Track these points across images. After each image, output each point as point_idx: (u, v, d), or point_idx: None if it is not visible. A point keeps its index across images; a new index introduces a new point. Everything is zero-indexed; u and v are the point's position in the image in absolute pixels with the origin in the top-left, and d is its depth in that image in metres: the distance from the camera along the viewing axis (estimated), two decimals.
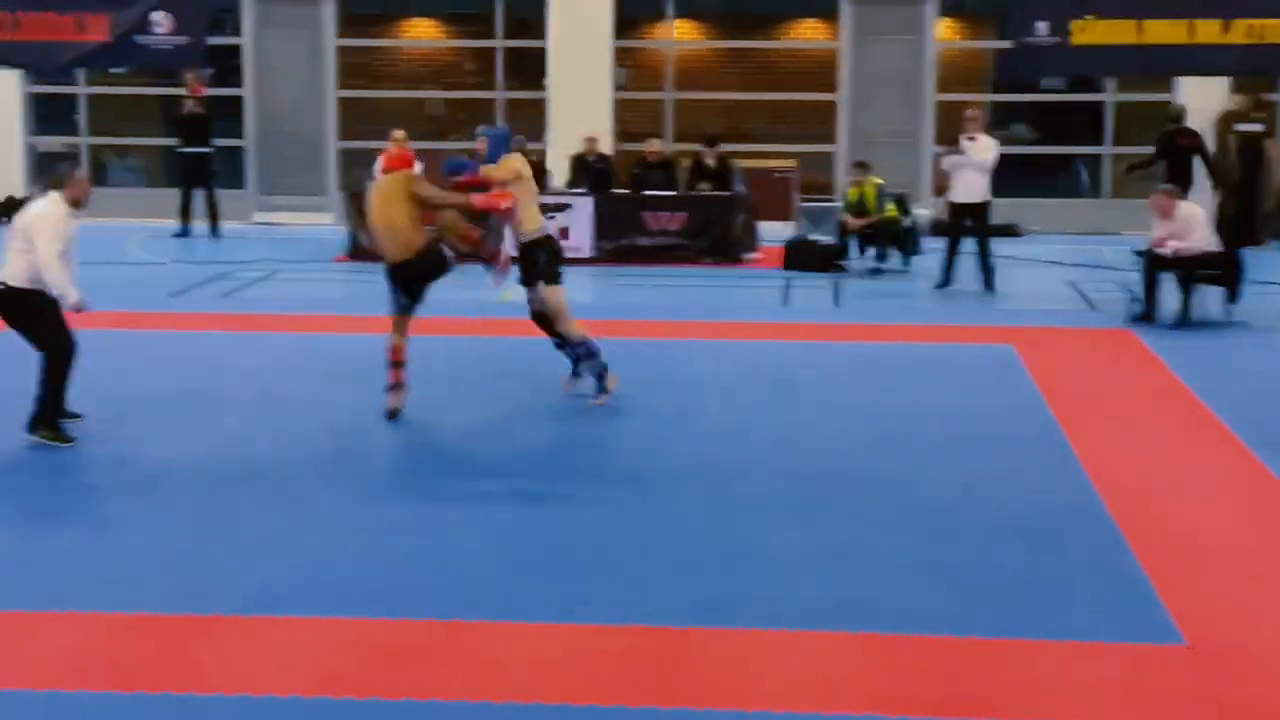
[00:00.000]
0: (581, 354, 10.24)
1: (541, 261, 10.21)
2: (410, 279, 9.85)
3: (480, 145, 10.23)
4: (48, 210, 8.92)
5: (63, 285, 8.85)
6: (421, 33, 23.28)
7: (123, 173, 23.59)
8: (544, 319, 10.40)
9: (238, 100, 22.04)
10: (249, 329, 13.05)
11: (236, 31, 22.05)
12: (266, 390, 10.61)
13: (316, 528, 7.54)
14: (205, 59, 21.43)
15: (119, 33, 21.46)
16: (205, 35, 21.59)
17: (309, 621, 6.25)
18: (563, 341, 10.38)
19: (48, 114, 22.75)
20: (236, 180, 21.82)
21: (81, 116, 22.45)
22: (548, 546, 7.27)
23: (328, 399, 10.35)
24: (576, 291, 15.94)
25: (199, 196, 19.93)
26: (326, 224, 21.35)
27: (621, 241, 17.76)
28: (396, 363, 9.82)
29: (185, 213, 19.95)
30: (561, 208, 17.73)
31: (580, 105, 20.92)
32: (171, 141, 20.56)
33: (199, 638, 6.05)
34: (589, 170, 18.51)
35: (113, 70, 22.33)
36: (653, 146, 18.81)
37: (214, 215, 20.01)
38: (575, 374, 10.46)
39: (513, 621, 6.25)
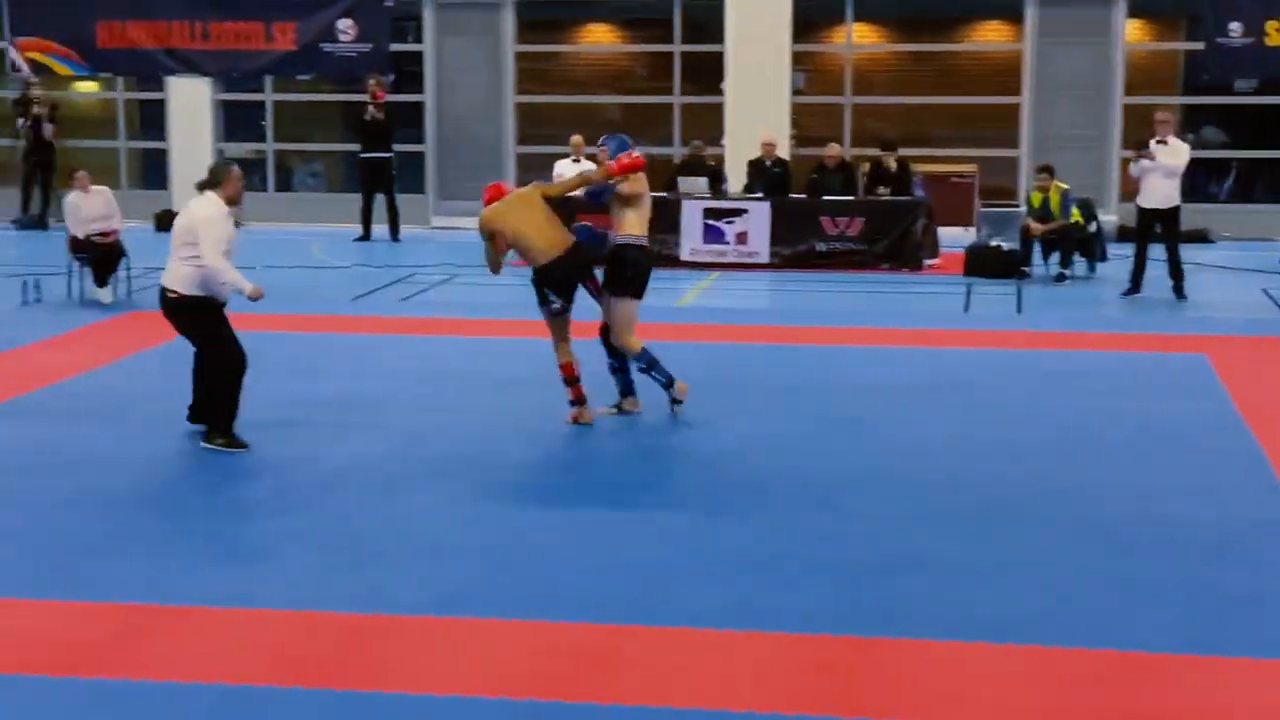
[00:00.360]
0: (643, 368, 9.90)
1: (628, 268, 9.95)
2: (562, 276, 9.81)
3: (602, 153, 10.09)
4: (208, 210, 8.84)
5: (235, 279, 8.80)
6: (599, 38, 23.37)
7: (306, 178, 24.04)
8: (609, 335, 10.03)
9: (418, 106, 22.33)
10: (427, 333, 13.17)
11: (418, 38, 22.36)
12: (443, 393, 10.67)
13: (492, 530, 7.54)
14: (388, 65, 21.77)
15: (305, 41, 21.92)
16: (388, 42, 21.94)
17: (485, 623, 6.23)
18: (620, 366, 10.05)
19: (236, 121, 23.28)
20: (416, 185, 22.11)
21: (268, 123, 22.93)
22: (719, 553, 7.18)
23: (504, 402, 10.38)
24: (753, 297, 15.94)
25: (379, 201, 20.22)
26: None
27: (798, 247, 17.60)
28: (573, 379, 9.80)
29: (366, 217, 20.25)
30: (738, 212, 17.64)
31: (758, 109, 20.81)
32: (353, 147, 20.91)
33: (382, 637, 6.07)
34: (766, 175, 18.40)
35: (298, 77, 22.77)
36: (831, 151, 18.62)
37: (394, 220, 20.29)
38: (618, 406, 10.07)
39: (687, 627, 6.17)
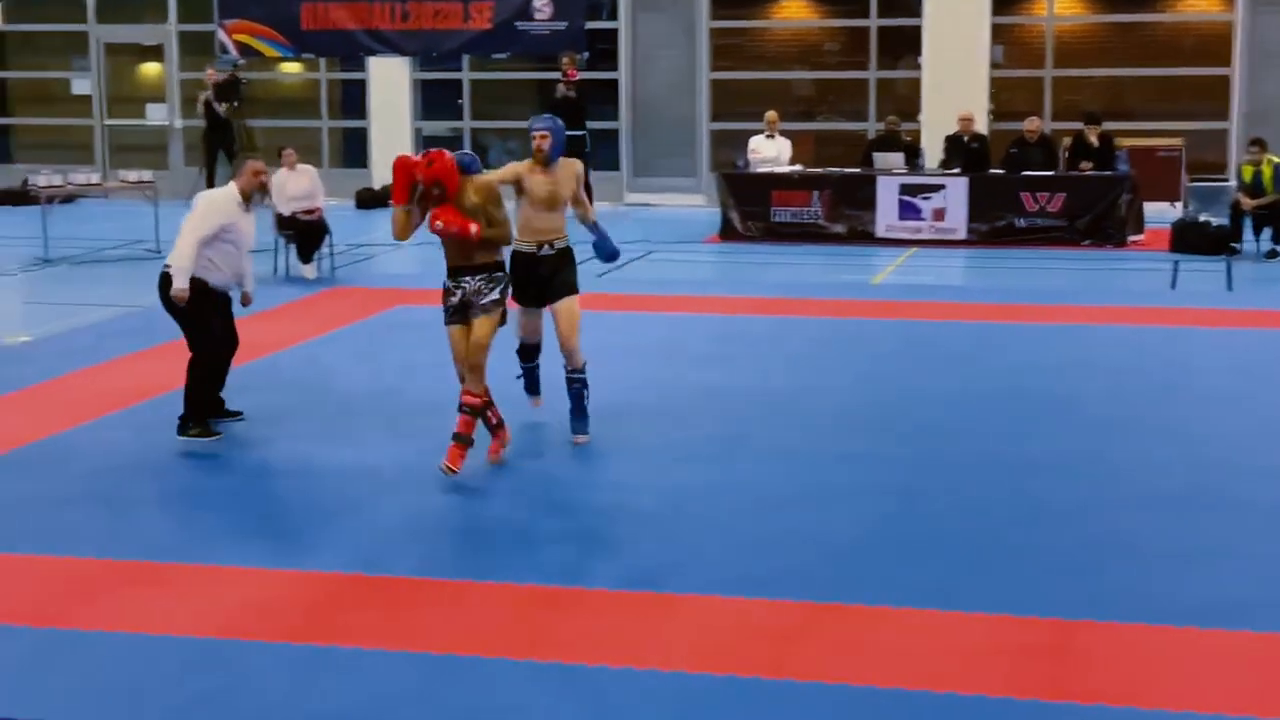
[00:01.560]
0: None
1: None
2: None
3: (543, 142, 8.58)
4: (212, 195, 8.92)
5: (181, 266, 8.60)
6: (793, 13, 23.19)
7: (502, 156, 24.31)
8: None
9: (613, 84, 22.42)
10: (621, 309, 13.22)
11: (613, 16, 22.43)
12: (639, 368, 10.70)
13: (690, 505, 7.54)
14: (583, 43, 21.88)
15: (501, 19, 22.15)
16: (583, 20, 22.06)
17: (684, 599, 6.24)
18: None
19: (434, 99, 23.62)
20: (611, 162, 22.20)
21: (465, 101, 23.22)
22: (916, 534, 7.09)
23: (696, 378, 10.36)
24: (950, 274, 15.70)
25: None
26: (698, 205, 21.52)
27: (997, 223, 17.28)
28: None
29: None
30: (934, 188, 17.39)
31: (955, 83, 20.48)
32: None
33: (584, 611, 6.11)
34: (964, 150, 18.08)
35: (494, 56, 23.02)
36: (1031, 125, 18.22)
37: (588, 196, 20.38)
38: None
39: (886, 606, 6.11)
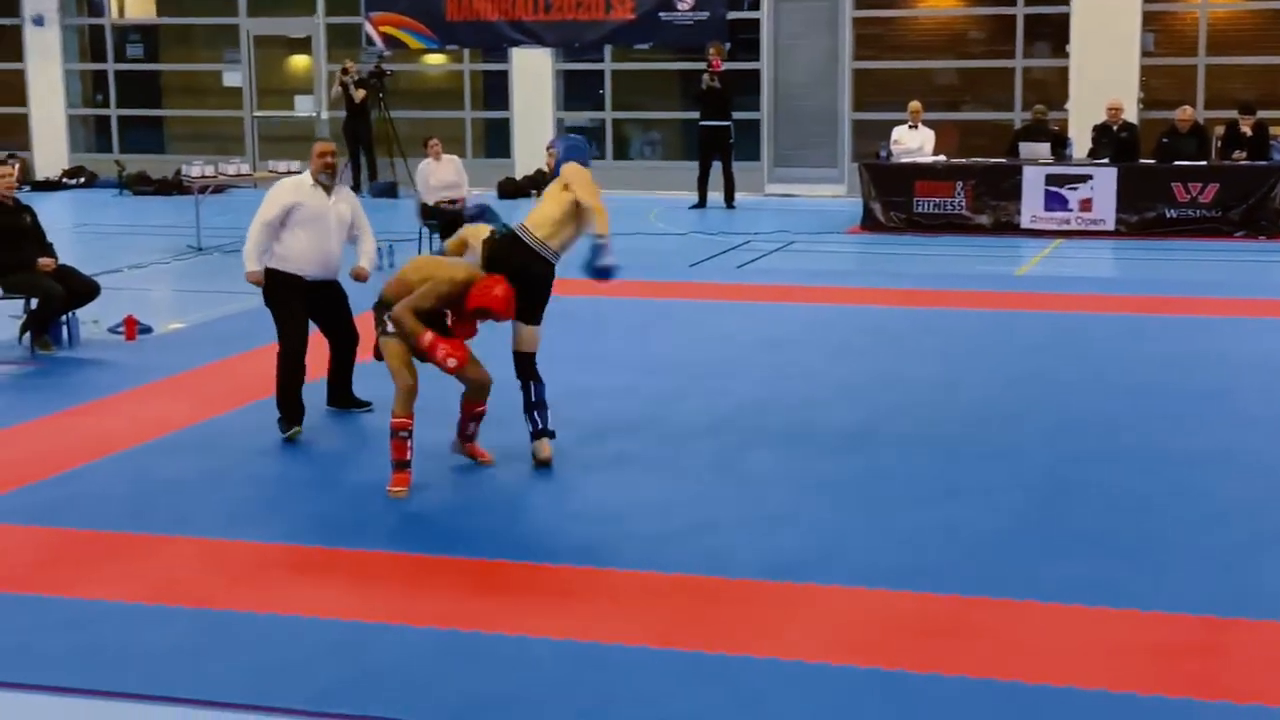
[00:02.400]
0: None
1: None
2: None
3: (549, 159, 8.34)
4: (286, 179, 8.92)
5: (249, 246, 8.70)
6: (938, 1, 22.94)
7: (643, 146, 24.36)
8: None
9: (754, 74, 22.35)
10: (762, 299, 13.19)
11: (755, 5, 22.36)
12: (778, 360, 10.66)
13: (832, 497, 7.50)
14: (725, 33, 21.85)
15: (643, 10, 22.20)
16: (725, 10, 22.03)
17: (827, 590, 6.20)
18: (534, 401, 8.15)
19: (576, 90, 23.74)
20: (751, 152, 22.14)
21: (607, 92, 23.30)
22: (1063, 529, 6.98)
23: (838, 370, 10.30)
24: (1098, 265, 15.43)
25: (716, 169, 20.33)
26: (839, 195, 21.39)
27: (1146, 214, 16.96)
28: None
29: (703, 185, 20.39)
30: (1082, 178, 17.11)
31: (1104, 72, 20.12)
32: (689, 115, 21.06)
33: (726, 601, 6.10)
34: (1113, 139, 17.76)
35: (636, 46, 23.06)
36: (1183, 114, 17.84)
37: (730, 187, 20.37)
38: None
39: (1034, 601, 6.02)
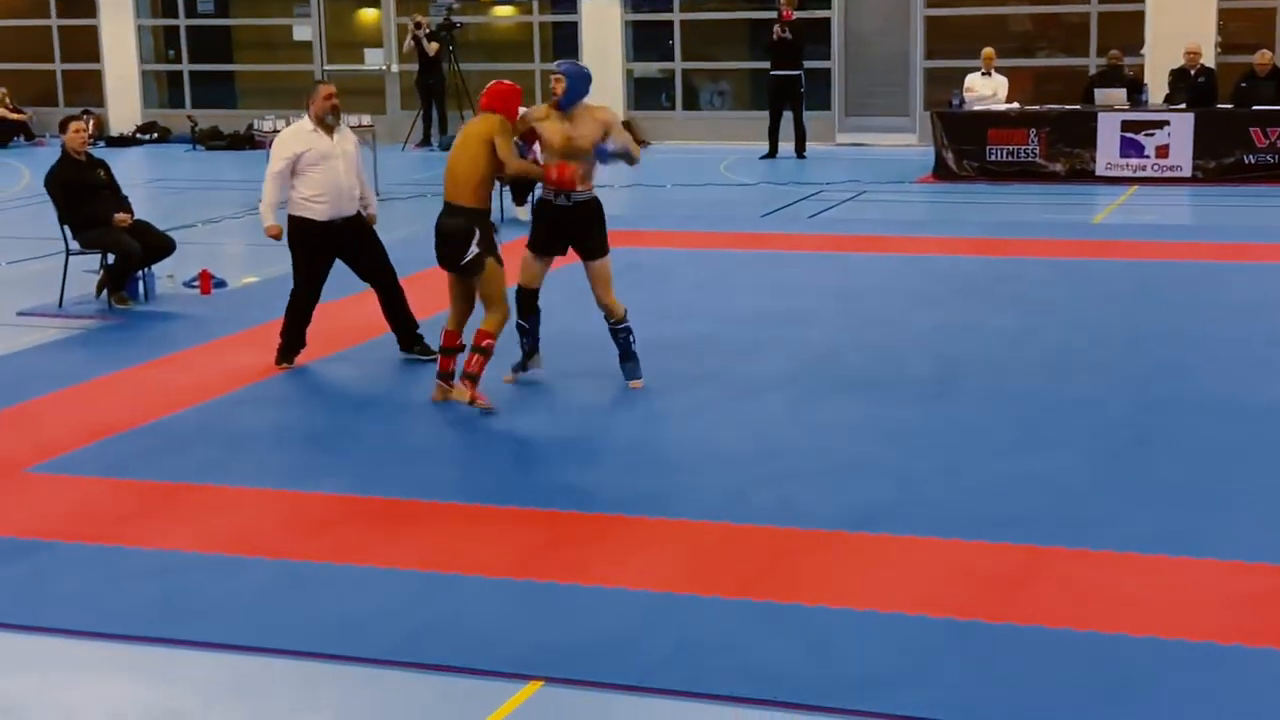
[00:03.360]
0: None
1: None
2: (445, 238, 8.19)
3: (557, 82, 8.24)
4: (287, 129, 9.14)
5: (266, 199, 9.02)
6: None
7: (713, 97, 24.23)
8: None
9: (824, 22, 22.15)
10: (834, 249, 13.11)
11: None
12: (854, 309, 10.61)
13: (907, 447, 7.47)
14: None
15: None
16: None
17: (901, 540, 6.18)
18: (532, 327, 8.68)
19: (645, 40, 23.62)
20: (823, 102, 21.98)
21: (676, 42, 23.18)
22: (1152, 478, 6.93)
23: (913, 320, 10.24)
24: (1176, 212, 15.23)
25: (786, 119, 20.20)
26: (910, 145, 21.21)
27: (1224, 160, 16.69)
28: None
29: (774, 135, 20.27)
30: (1158, 124, 16.86)
31: (1181, 15, 19.78)
32: (759, 65, 20.91)
33: (800, 551, 6.10)
34: (1190, 84, 17.49)
35: None
36: (1262, 58, 17.52)
37: (800, 137, 20.23)
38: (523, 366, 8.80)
39: (1115, 551, 5.97)
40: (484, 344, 8.12)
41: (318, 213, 9.01)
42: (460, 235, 8.03)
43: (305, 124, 9.08)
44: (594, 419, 8.17)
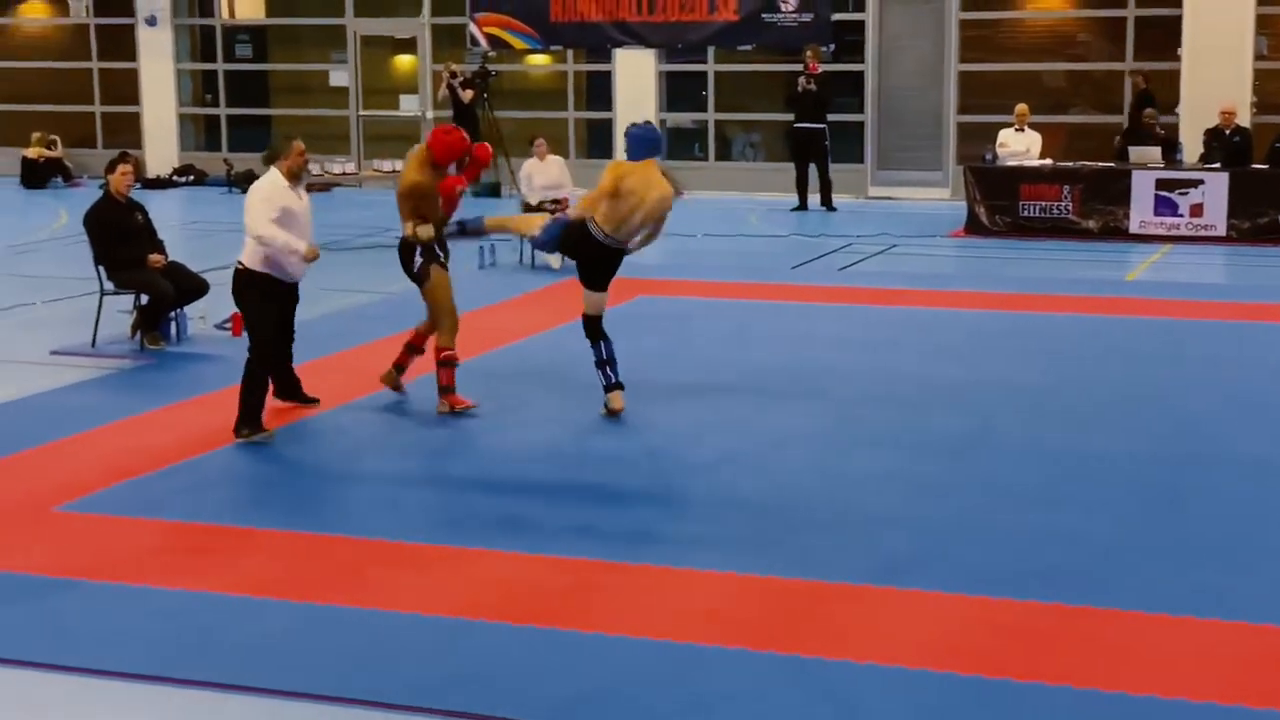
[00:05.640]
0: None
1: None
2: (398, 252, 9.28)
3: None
4: (261, 183, 8.70)
5: (285, 240, 8.56)
6: (1047, 3, 22.68)
7: (745, 148, 24.29)
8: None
9: (858, 75, 22.22)
10: (865, 302, 13.09)
11: (859, 7, 22.22)
12: (882, 362, 10.58)
13: (932, 501, 7.43)
14: (829, 35, 21.74)
15: (747, 12, 22.13)
16: (830, 11, 21.91)
17: (927, 595, 6.14)
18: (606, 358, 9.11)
19: (678, 91, 23.71)
20: (854, 155, 22.01)
21: (709, 93, 23.26)
22: (1182, 538, 6.87)
23: (943, 373, 10.20)
24: (1210, 271, 15.18)
25: (812, 171, 20.22)
26: (942, 199, 21.21)
27: (1259, 219, 16.64)
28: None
29: (801, 187, 20.30)
30: (1193, 183, 16.83)
31: (1217, 75, 19.75)
32: (791, 118, 20.96)
33: (826, 604, 6.07)
34: (1225, 144, 17.46)
35: (739, 48, 23.00)
36: None
37: (826, 190, 20.25)
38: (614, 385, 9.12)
39: (1145, 613, 5.92)
40: (443, 356, 9.02)
41: (283, 274, 8.78)
42: (407, 248, 9.12)
43: (278, 179, 8.80)
44: (618, 466, 8.15)
